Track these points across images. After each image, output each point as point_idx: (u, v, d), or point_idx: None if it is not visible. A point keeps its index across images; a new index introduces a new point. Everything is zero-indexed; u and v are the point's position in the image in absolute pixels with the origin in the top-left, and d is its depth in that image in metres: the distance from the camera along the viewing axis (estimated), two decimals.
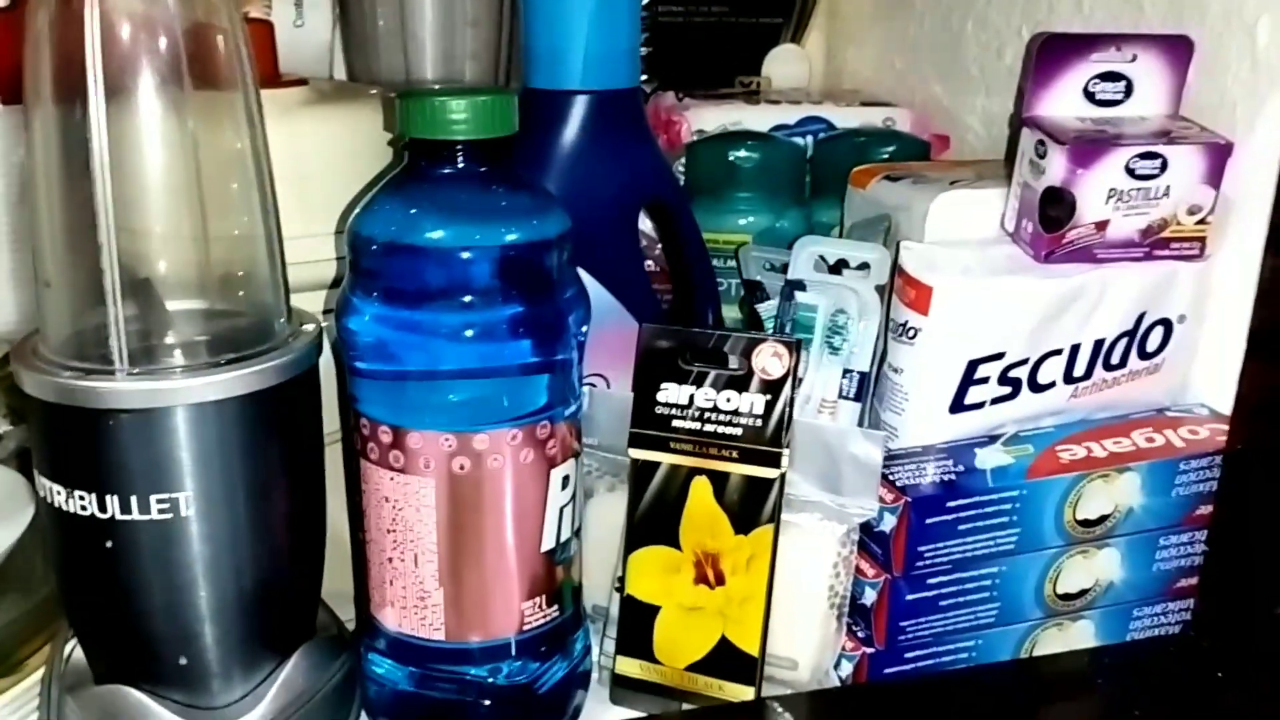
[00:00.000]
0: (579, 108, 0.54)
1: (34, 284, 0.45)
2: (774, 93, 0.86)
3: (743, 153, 0.68)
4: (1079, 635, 0.55)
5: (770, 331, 0.59)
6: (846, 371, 0.56)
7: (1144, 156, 0.51)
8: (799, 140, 0.77)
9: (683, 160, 0.72)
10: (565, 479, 0.47)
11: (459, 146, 0.43)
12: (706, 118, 0.77)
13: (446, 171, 0.44)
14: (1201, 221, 0.53)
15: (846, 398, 0.57)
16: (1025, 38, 0.70)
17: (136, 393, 0.41)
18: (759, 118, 0.77)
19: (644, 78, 0.87)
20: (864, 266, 0.57)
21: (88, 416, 0.40)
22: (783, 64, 0.90)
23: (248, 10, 0.73)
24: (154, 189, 0.46)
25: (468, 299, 0.43)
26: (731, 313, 0.67)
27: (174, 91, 0.45)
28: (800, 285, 0.58)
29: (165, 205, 0.47)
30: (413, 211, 0.44)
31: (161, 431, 0.41)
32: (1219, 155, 0.52)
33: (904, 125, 0.78)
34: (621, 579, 0.52)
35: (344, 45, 0.79)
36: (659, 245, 0.66)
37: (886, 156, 0.70)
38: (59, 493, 0.42)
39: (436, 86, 0.52)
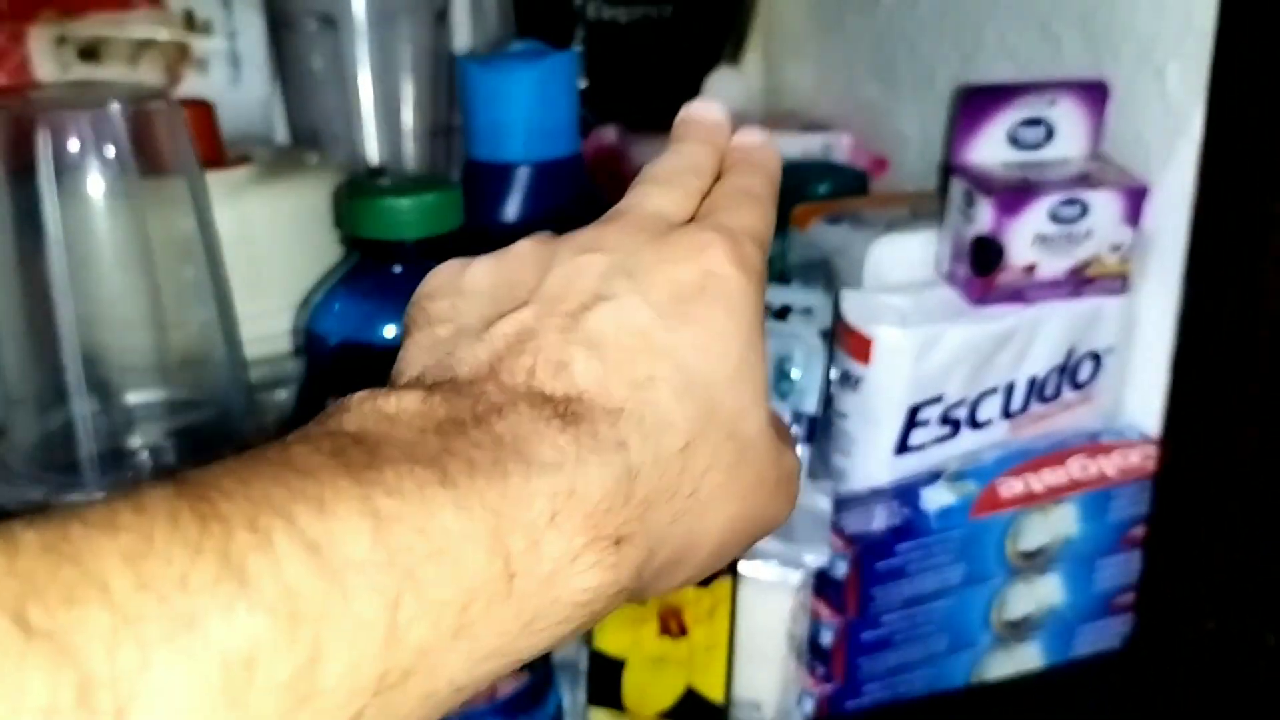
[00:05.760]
0: (522, 178, 0.55)
1: None
2: None
3: None
4: (1027, 656, 0.57)
5: None
6: (796, 415, 0.59)
7: (1066, 203, 0.53)
8: None
9: None
10: None
11: (408, 244, 0.45)
12: (652, 155, 0.78)
13: (397, 270, 0.45)
14: (1123, 259, 0.55)
15: (798, 440, 0.59)
16: (954, 65, 0.71)
17: None
18: None
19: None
20: (807, 312, 0.59)
21: None
22: (724, 87, 0.91)
23: (180, 72, 0.74)
24: (111, 281, 0.47)
25: None
26: None
27: (123, 183, 0.46)
28: None
29: (123, 296, 0.48)
30: (366, 309, 0.45)
31: None
32: (1136, 197, 0.54)
33: (843, 150, 0.80)
34: (589, 633, 0.54)
35: (283, 96, 0.80)
36: None
37: (825, 190, 0.71)
38: None
39: (381, 181, 0.53)
